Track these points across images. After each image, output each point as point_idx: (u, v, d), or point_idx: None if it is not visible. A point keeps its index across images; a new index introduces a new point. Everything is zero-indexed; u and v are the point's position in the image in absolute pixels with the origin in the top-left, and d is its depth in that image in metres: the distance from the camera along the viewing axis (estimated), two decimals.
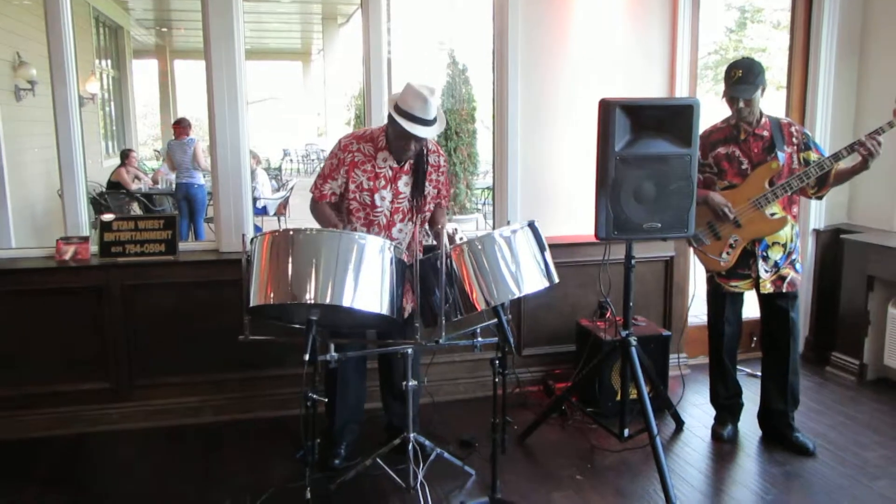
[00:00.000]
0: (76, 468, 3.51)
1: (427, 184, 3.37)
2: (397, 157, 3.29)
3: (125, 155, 9.09)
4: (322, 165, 3.42)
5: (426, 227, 3.50)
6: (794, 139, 3.51)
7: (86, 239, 3.94)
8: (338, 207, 3.37)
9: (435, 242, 3.45)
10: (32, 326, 3.80)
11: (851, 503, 3.13)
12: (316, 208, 3.36)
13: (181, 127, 8.61)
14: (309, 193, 3.39)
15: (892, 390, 4.36)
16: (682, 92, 4.45)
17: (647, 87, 4.45)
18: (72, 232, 3.95)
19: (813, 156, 3.48)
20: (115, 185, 8.70)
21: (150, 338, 3.93)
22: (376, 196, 3.29)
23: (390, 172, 3.31)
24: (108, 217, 4.00)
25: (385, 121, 4.08)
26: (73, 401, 3.87)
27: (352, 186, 3.29)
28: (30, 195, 7.06)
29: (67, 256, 3.87)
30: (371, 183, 3.28)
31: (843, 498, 3.17)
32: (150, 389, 3.96)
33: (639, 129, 3.23)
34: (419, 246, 3.40)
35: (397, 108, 3.11)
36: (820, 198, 3.65)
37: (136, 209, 8.49)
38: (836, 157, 3.37)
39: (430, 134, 3.16)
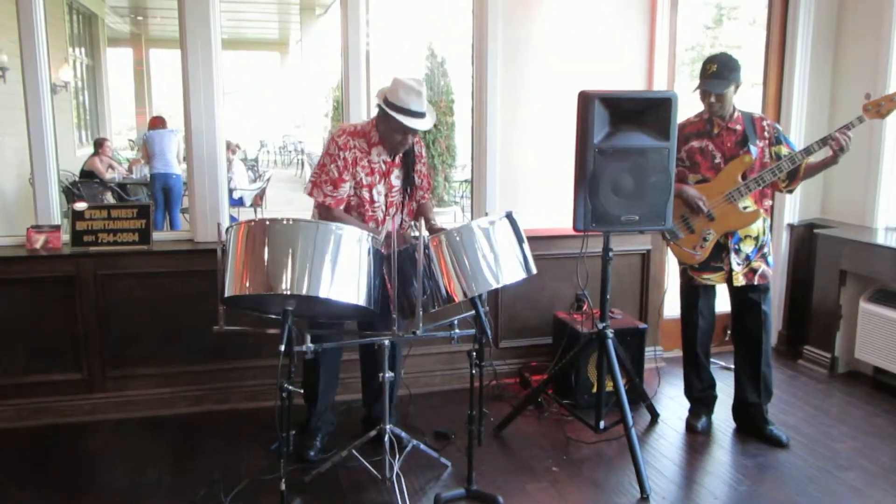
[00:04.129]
0: (47, 460, 3.46)
1: (415, 175, 3.40)
2: (392, 152, 3.29)
3: (99, 144, 8.95)
4: (321, 170, 3.27)
5: (413, 220, 3.50)
6: (765, 133, 3.53)
7: (57, 227, 3.87)
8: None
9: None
10: (2, 316, 3.73)
11: (822, 494, 3.17)
12: (331, 217, 3.19)
13: (159, 119, 8.65)
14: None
15: (863, 383, 4.42)
16: (660, 86, 4.47)
17: (627, 81, 4.45)
18: (42, 220, 3.88)
19: (783, 150, 3.52)
20: (88, 175, 8.57)
21: (124, 328, 3.88)
22: (374, 191, 3.29)
23: (384, 167, 3.32)
24: (80, 205, 3.93)
25: (364, 112, 4.08)
26: (45, 392, 3.81)
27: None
28: (1, 182, 6.94)
29: (38, 245, 3.81)
30: (369, 179, 3.29)
31: (813, 489, 3.21)
32: (124, 380, 3.91)
33: (617, 122, 3.24)
34: (400, 239, 3.38)
35: (390, 104, 3.10)
36: (791, 191, 3.69)
37: (109, 199, 8.37)
38: (808, 151, 3.40)
39: (427, 126, 3.19)
